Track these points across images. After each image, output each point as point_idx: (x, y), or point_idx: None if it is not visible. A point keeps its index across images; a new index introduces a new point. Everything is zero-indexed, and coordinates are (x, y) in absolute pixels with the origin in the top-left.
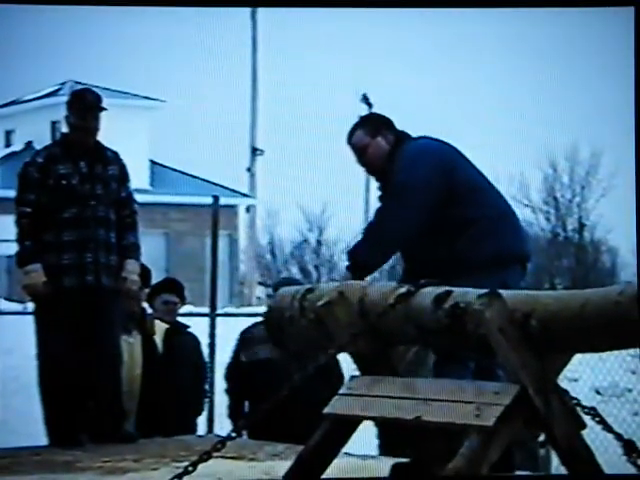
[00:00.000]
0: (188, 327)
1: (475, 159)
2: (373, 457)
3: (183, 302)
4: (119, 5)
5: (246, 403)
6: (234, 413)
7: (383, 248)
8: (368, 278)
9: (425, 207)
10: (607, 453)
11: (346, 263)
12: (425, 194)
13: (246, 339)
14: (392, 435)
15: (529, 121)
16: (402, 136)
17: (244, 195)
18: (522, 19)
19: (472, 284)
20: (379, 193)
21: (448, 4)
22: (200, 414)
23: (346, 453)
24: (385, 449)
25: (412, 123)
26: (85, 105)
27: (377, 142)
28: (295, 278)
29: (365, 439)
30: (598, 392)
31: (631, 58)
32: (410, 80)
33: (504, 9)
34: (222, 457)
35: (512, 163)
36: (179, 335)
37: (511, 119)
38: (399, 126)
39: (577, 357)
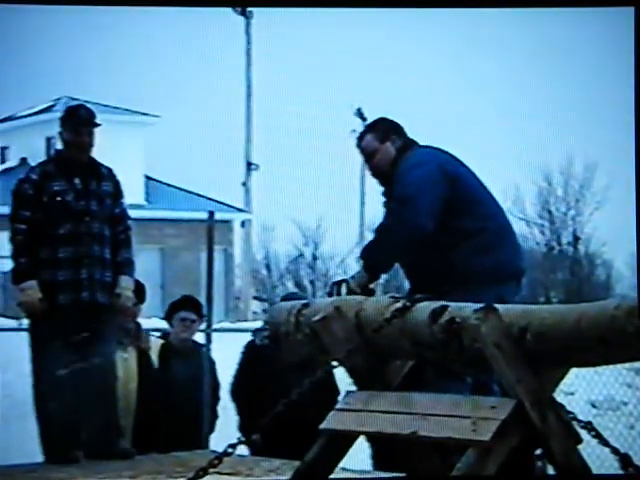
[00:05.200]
0: (202, 345)
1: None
2: (369, 472)
3: (201, 319)
4: (110, 5)
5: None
6: (245, 425)
7: (391, 252)
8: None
9: (431, 212)
10: (603, 467)
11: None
12: (430, 200)
13: None
14: (387, 450)
15: (524, 133)
16: (409, 143)
17: (239, 210)
18: (520, 19)
19: (469, 298)
20: (383, 199)
21: (446, 4)
22: (205, 431)
23: (343, 468)
24: (379, 465)
25: (408, 132)
26: (79, 121)
27: (386, 147)
28: (300, 293)
29: (361, 454)
30: (594, 406)
31: (631, 58)
32: (407, 90)
33: (501, 9)
34: (218, 473)
35: (507, 176)
36: (177, 352)
37: (506, 130)
38: None
39: (573, 371)
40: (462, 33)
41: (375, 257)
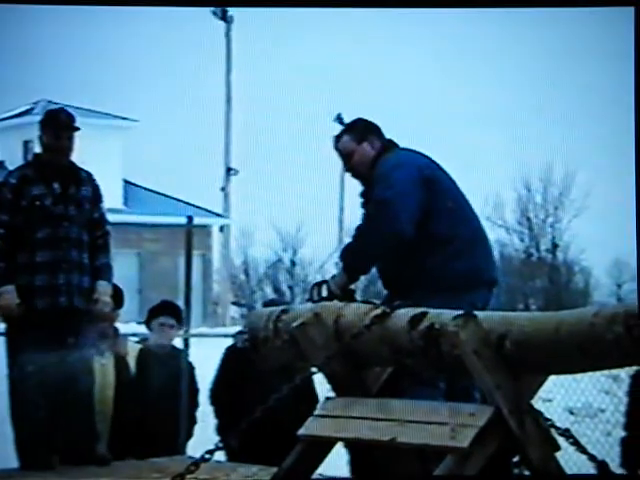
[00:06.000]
0: (180, 351)
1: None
2: (347, 479)
3: (180, 325)
4: (90, 5)
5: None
6: (225, 428)
7: (369, 255)
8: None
9: (410, 216)
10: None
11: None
12: (410, 203)
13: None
14: (365, 456)
15: (505, 139)
16: (388, 144)
17: (218, 215)
18: (518, 20)
19: (441, 304)
20: (361, 199)
21: (440, 3)
22: (183, 437)
23: (320, 474)
24: (357, 471)
25: (392, 136)
26: (59, 125)
27: (363, 148)
28: (280, 299)
29: (339, 461)
30: (572, 412)
31: (631, 59)
32: (389, 95)
33: (498, 9)
34: (195, 479)
35: (488, 183)
36: (155, 357)
37: (487, 138)
38: None
39: (551, 378)
40: (451, 34)
41: (353, 260)
